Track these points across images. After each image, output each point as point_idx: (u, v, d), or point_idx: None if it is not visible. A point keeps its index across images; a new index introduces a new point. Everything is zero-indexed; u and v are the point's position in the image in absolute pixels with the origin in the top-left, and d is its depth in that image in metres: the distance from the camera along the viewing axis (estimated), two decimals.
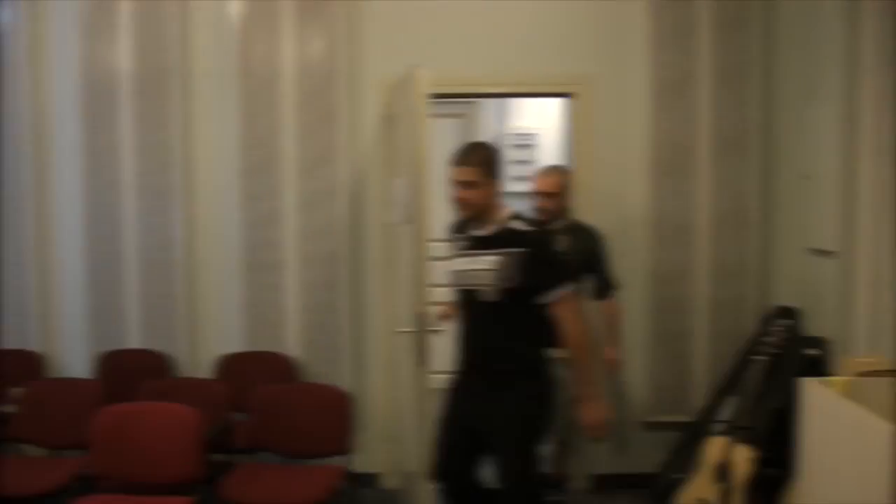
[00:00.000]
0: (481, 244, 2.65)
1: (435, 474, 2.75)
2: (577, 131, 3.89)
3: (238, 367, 3.84)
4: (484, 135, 5.42)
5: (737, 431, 3.10)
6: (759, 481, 3.00)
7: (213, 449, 3.16)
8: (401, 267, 3.59)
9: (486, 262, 2.59)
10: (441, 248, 2.95)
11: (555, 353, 2.70)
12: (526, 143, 5.64)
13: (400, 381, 3.65)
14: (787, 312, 3.72)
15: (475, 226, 2.70)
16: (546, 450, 3.15)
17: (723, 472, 3.07)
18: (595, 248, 3.34)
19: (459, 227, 2.81)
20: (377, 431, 3.99)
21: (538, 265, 2.59)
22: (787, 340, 3.39)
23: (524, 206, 3.14)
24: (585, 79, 3.88)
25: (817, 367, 3.20)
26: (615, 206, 3.89)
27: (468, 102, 5.58)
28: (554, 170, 3.45)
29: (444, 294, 2.99)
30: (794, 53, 3.82)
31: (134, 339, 3.94)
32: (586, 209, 3.87)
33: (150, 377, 3.58)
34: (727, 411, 3.55)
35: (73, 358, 4.01)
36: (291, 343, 3.91)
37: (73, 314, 4.00)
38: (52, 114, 3.98)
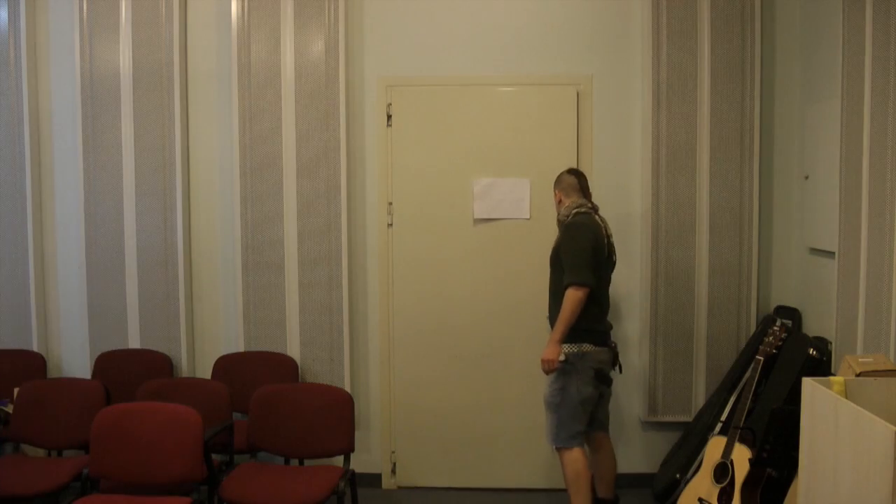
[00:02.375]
0: None
1: None
2: (577, 131, 3.89)
3: (238, 367, 3.84)
4: None
5: (737, 431, 3.10)
6: (759, 481, 3.00)
7: (213, 449, 3.16)
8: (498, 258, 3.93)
9: None
10: None
11: None
12: None
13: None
14: (787, 312, 3.72)
15: None
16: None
17: (723, 472, 3.08)
18: (560, 243, 3.25)
19: None
20: (377, 431, 4.00)
21: None
22: (787, 340, 3.40)
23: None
24: (585, 78, 3.88)
25: (817, 367, 3.20)
26: (615, 206, 3.90)
27: None
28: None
29: None
30: (794, 53, 3.83)
31: (134, 339, 3.94)
32: None
33: (150, 377, 3.58)
34: (727, 411, 3.55)
35: (73, 358, 4.02)
36: (291, 343, 3.91)
37: (73, 314, 4.00)
38: (52, 114, 3.99)
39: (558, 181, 3.39)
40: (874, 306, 2.86)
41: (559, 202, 3.37)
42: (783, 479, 2.98)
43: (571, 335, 3.14)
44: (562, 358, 3.13)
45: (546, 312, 3.35)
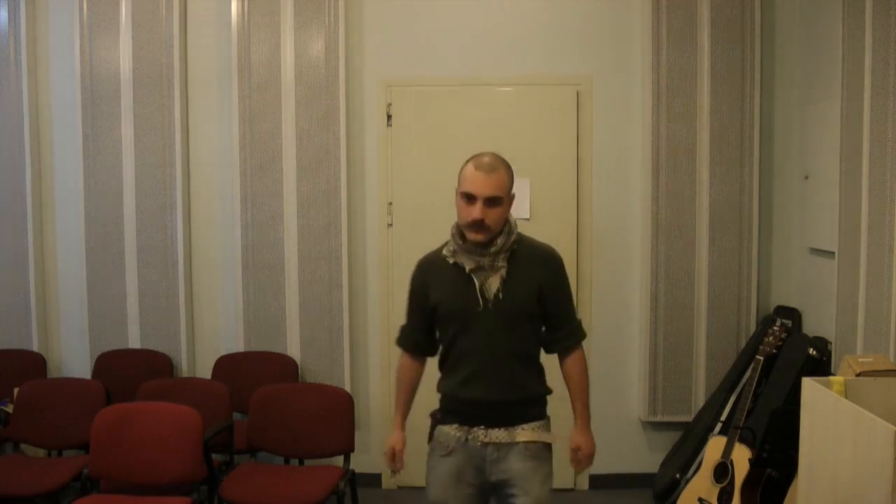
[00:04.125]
0: None
1: None
2: (577, 131, 3.89)
3: (238, 367, 3.84)
4: None
5: (737, 431, 3.10)
6: (759, 481, 3.01)
7: (213, 449, 3.16)
8: None
9: None
10: None
11: None
12: None
13: None
14: (787, 312, 3.72)
15: None
16: None
17: (723, 472, 3.08)
18: (553, 280, 2.24)
19: None
20: (377, 431, 4.00)
21: None
22: (787, 340, 3.40)
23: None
24: (585, 79, 3.88)
25: (817, 367, 3.20)
26: (615, 206, 3.90)
27: None
28: (499, 162, 2.19)
29: None
30: (795, 53, 3.83)
31: (134, 339, 3.94)
32: (586, 210, 3.89)
33: (150, 377, 3.58)
34: (727, 411, 3.55)
35: (73, 358, 4.02)
36: (291, 343, 3.91)
37: (73, 314, 4.00)
38: (52, 114, 3.99)
39: (510, 178, 2.20)
40: (874, 306, 2.86)
41: (506, 212, 2.20)
42: (783, 479, 2.98)
43: (545, 406, 2.29)
44: (553, 441, 2.26)
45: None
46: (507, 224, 2.19)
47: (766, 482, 3.00)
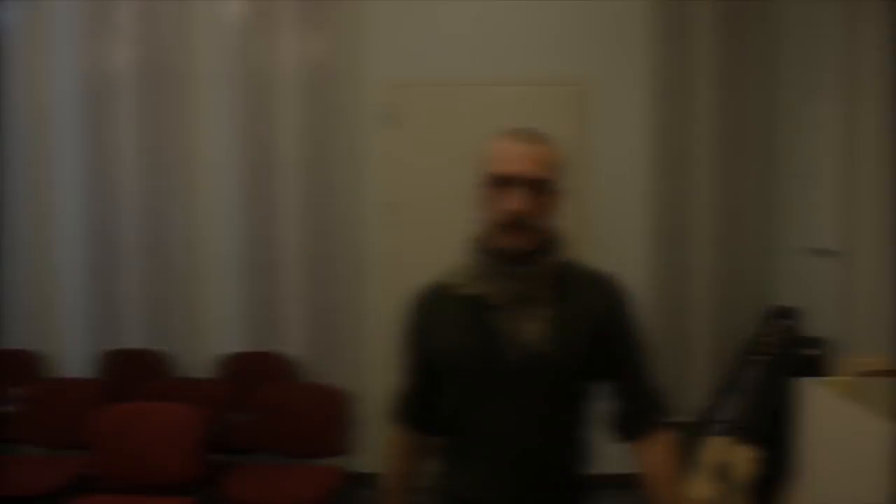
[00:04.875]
0: None
1: None
2: (577, 131, 3.89)
3: (238, 367, 3.84)
4: None
5: (737, 431, 3.10)
6: (759, 481, 3.01)
7: (213, 449, 3.16)
8: None
9: None
10: None
11: None
12: None
13: None
14: (787, 312, 3.72)
15: None
16: None
17: (723, 472, 3.08)
18: (604, 324, 1.57)
19: None
20: (377, 431, 4.00)
21: None
22: (787, 340, 3.40)
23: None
24: (585, 79, 3.88)
25: (817, 367, 3.21)
26: (615, 206, 3.90)
27: None
28: (543, 136, 1.49)
29: None
30: (795, 53, 3.82)
31: (134, 339, 3.94)
32: (586, 210, 3.89)
33: (150, 377, 3.59)
34: (727, 411, 3.56)
35: (73, 358, 4.02)
36: (291, 343, 3.91)
37: (73, 314, 4.00)
38: (52, 114, 3.99)
39: (559, 159, 1.49)
40: (874, 306, 2.86)
41: (554, 208, 1.49)
42: (783, 479, 2.98)
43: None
44: None
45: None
46: (553, 234, 1.47)
47: (767, 482, 3.00)
